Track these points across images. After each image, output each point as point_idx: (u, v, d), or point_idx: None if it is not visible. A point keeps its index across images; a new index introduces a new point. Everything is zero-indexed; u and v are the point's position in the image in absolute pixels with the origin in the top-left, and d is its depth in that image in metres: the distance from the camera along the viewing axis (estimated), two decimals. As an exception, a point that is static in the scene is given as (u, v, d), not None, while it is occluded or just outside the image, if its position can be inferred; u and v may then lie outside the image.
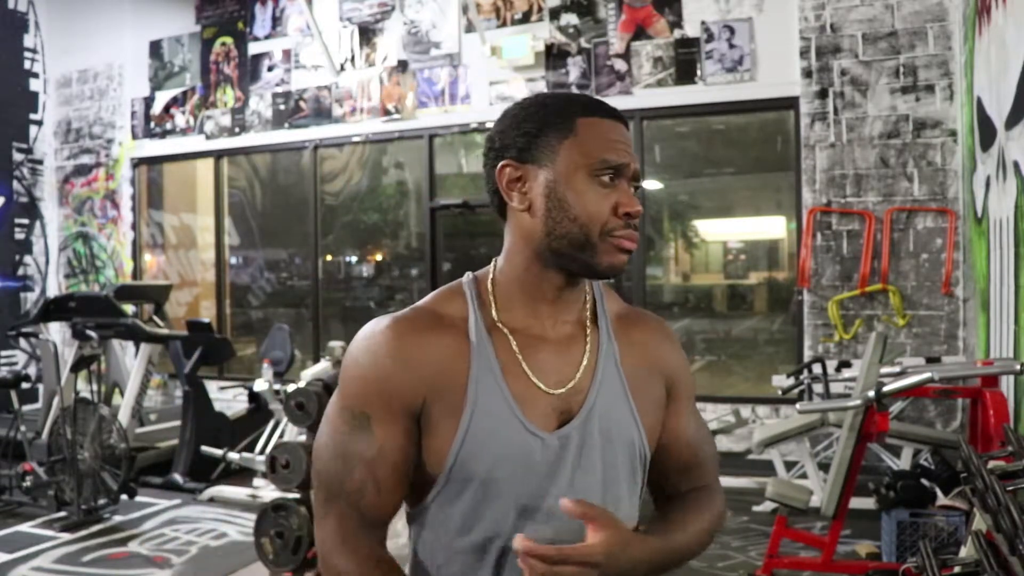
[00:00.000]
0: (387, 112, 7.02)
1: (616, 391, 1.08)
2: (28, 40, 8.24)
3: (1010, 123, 3.53)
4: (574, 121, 1.04)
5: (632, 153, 1.07)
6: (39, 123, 8.39)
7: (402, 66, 6.95)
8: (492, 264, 1.10)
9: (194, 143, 7.84)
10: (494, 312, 1.06)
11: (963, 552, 2.14)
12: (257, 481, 5.07)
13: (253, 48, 7.54)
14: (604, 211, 1.03)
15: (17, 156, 8.17)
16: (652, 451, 1.13)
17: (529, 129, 1.04)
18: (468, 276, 1.11)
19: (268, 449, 4.01)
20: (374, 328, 1.04)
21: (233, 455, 5.01)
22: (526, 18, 6.55)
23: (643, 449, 1.11)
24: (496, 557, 1.02)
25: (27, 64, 8.25)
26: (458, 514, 1.02)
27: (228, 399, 6.61)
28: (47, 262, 8.49)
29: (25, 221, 8.28)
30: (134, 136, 8.11)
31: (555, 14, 6.46)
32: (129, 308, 6.33)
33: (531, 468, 1.01)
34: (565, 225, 1.02)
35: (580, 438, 1.04)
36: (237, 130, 7.63)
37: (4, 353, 7.77)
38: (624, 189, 1.06)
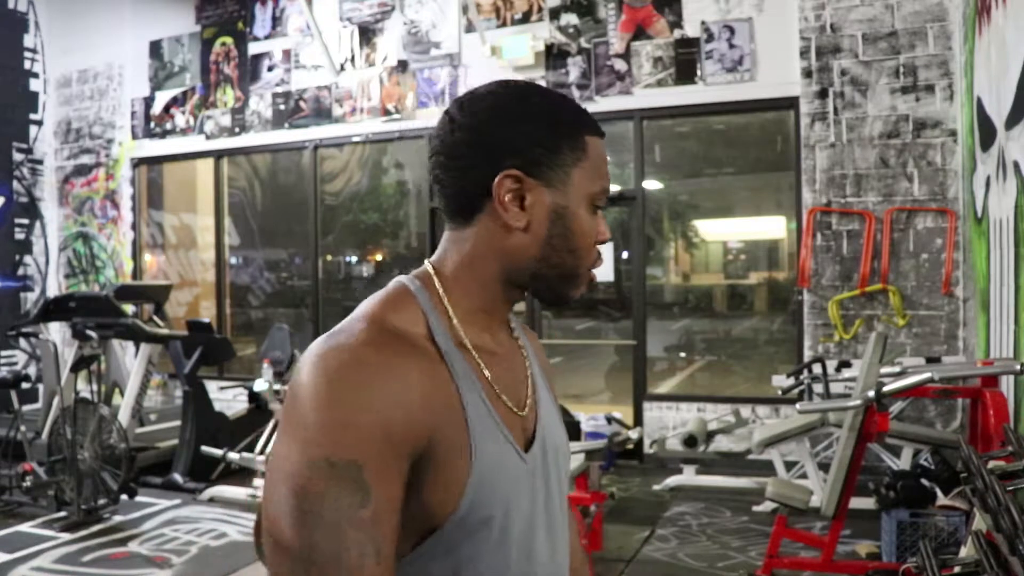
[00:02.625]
0: (387, 112, 7.02)
1: (549, 402, 1.04)
2: (28, 40, 8.24)
3: (1010, 123, 3.53)
4: (584, 141, 0.94)
5: None
6: (39, 123, 8.39)
7: (402, 66, 6.95)
8: (429, 268, 0.96)
9: (194, 143, 7.84)
10: (457, 327, 0.92)
11: (963, 552, 2.14)
12: (257, 481, 5.06)
13: (253, 48, 7.54)
14: (593, 242, 0.96)
15: (17, 156, 8.17)
16: None
17: (543, 140, 0.91)
18: (411, 281, 0.94)
19: (268, 449, 4.01)
20: (339, 352, 0.82)
21: (233, 455, 5.01)
22: (526, 18, 6.55)
23: (569, 453, 1.07)
24: None
25: (27, 64, 8.25)
26: (455, 565, 0.86)
27: (228, 399, 6.61)
28: (47, 262, 8.49)
29: (25, 221, 8.28)
30: (134, 136, 8.11)
31: (555, 14, 6.46)
32: (129, 308, 6.33)
33: (527, 497, 0.92)
34: (562, 256, 0.94)
35: (542, 457, 0.97)
36: (237, 130, 7.63)
37: (4, 353, 7.76)
38: (601, 217, 0.97)
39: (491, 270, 0.94)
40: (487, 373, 0.92)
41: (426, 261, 0.98)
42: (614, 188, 6.56)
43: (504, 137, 0.91)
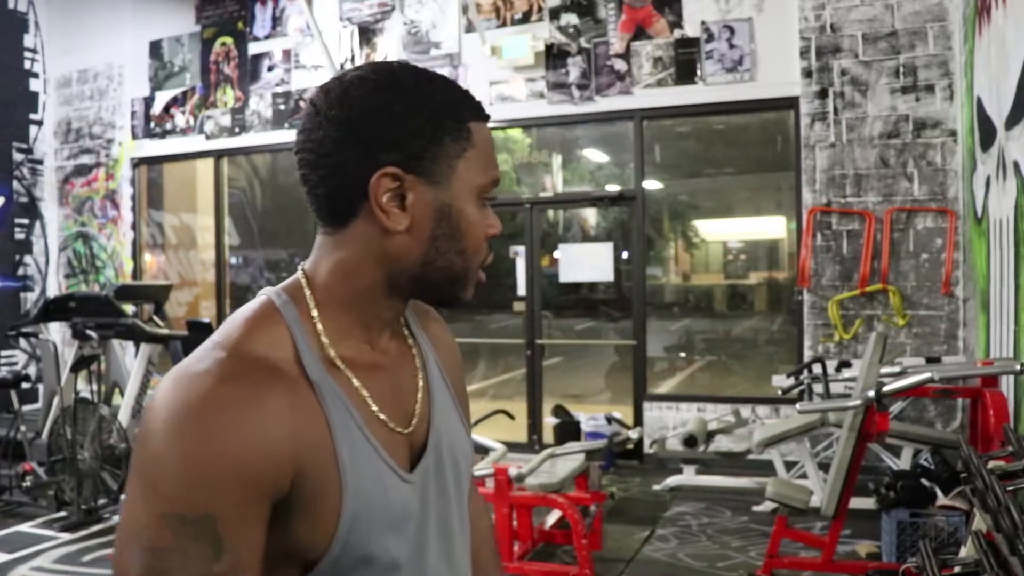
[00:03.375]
0: (387, 112, 7.01)
1: (448, 405, 0.96)
2: (28, 40, 8.24)
3: (1010, 123, 3.53)
4: (469, 128, 0.84)
5: None
6: (39, 123, 8.38)
7: (402, 66, 6.94)
8: (302, 278, 0.86)
9: (194, 143, 7.84)
10: (325, 344, 0.83)
11: (963, 552, 2.15)
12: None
13: (253, 48, 7.54)
14: (483, 238, 0.87)
15: (17, 156, 8.17)
16: None
17: (423, 131, 0.82)
18: (277, 295, 0.84)
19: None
20: (191, 393, 0.73)
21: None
22: (526, 18, 6.55)
23: (472, 453, 1.01)
24: None
25: (27, 64, 8.25)
26: None
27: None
28: (47, 262, 8.49)
29: (25, 221, 8.28)
30: (134, 136, 8.11)
31: (555, 14, 6.46)
32: (129, 308, 6.32)
33: (413, 520, 0.86)
34: (450, 257, 0.85)
35: (436, 466, 0.91)
36: (237, 130, 7.63)
37: (4, 353, 7.76)
38: (489, 209, 0.88)
39: (370, 278, 0.85)
40: (364, 393, 0.84)
41: (299, 268, 0.88)
42: (614, 188, 6.57)
43: (379, 130, 0.81)
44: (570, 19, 6.42)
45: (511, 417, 4.59)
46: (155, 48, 8.01)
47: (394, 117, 0.81)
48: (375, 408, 0.85)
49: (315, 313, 0.84)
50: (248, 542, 0.74)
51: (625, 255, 6.58)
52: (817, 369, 4.52)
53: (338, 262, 0.85)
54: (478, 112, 0.86)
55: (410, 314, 0.99)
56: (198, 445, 0.71)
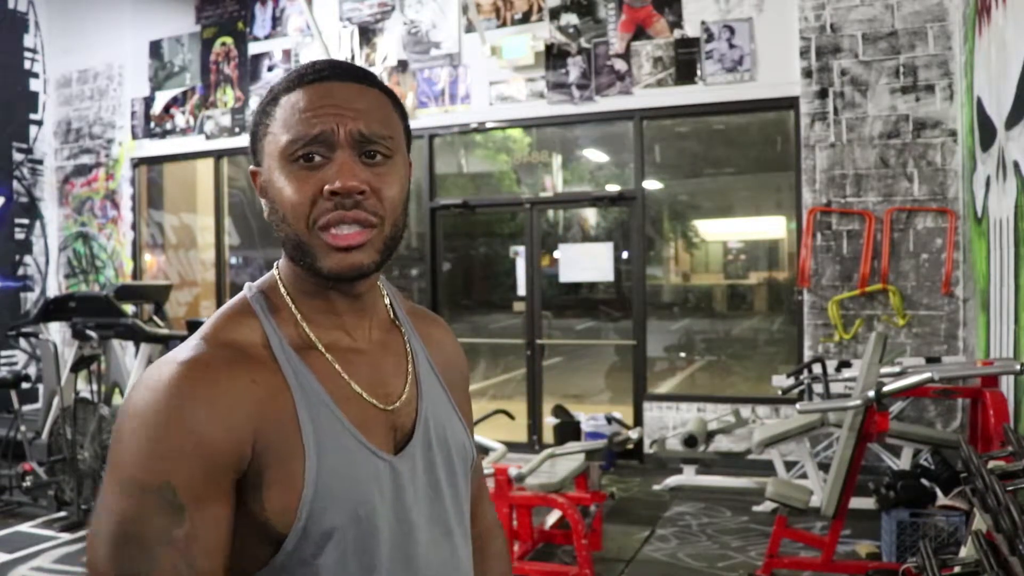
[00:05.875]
0: (387, 112, 7.01)
1: (440, 396, 0.98)
2: (28, 40, 8.24)
3: (1010, 123, 3.53)
4: (276, 104, 0.87)
5: (350, 113, 0.85)
6: (39, 123, 8.38)
7: (402, 66, 6.95)
8: (276, 272, 0.92)
9: (194, 143, 7.84)
10: (301, 327, 0.88)
11: (963, 552, 2.15)
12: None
13: (253, 48, 7.54)
14: (305, 198, 0.84)
15: (17, 156, 8.17)
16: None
17: (252, 127, 0.91)
18: (249, 289, 0.91)
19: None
20: (159, 377, 0.79)
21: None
22: (526, 18, 6.55)
23: (472, 452, 1.00)
24: None
25: (27, 64, 8.25)
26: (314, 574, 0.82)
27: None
28: (47, 262, 8.48)
29: (25, 221, 8.28)
30: (134, 136, 8.11)
31: (555, 14, 6.46)
32: (129, 308, 6.32)
33: (391, 502, 0.86)
34: (282, 228, 0.86)
35: (425, 456, 0.91)
36: (237, 130, 7.63)
37: (4, 353, 7.76)
38: (338, 162, 0.84)
39: (287, 265, 0.91)
40: (339, 369, 0.87)
41: (276, 263, 0.94)
42: (613, 188, 6.57)
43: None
44: (570, 19, 6.42)
45: (511, 417, 4.59)
46: (155, 48, 8.01)
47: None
48: (353, 385, 0.88)
49: (289, 301, 0.89)
50: (207, 511, 0.77)
51: (625, 255, 6.58)
52: (817, 369, 4.53)
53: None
54: (289, 84, 0.88)
55: (402, 312, 1.00)
56: (158, 418, 0.77)
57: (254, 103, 7.51)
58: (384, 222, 0.86)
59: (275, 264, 0.93)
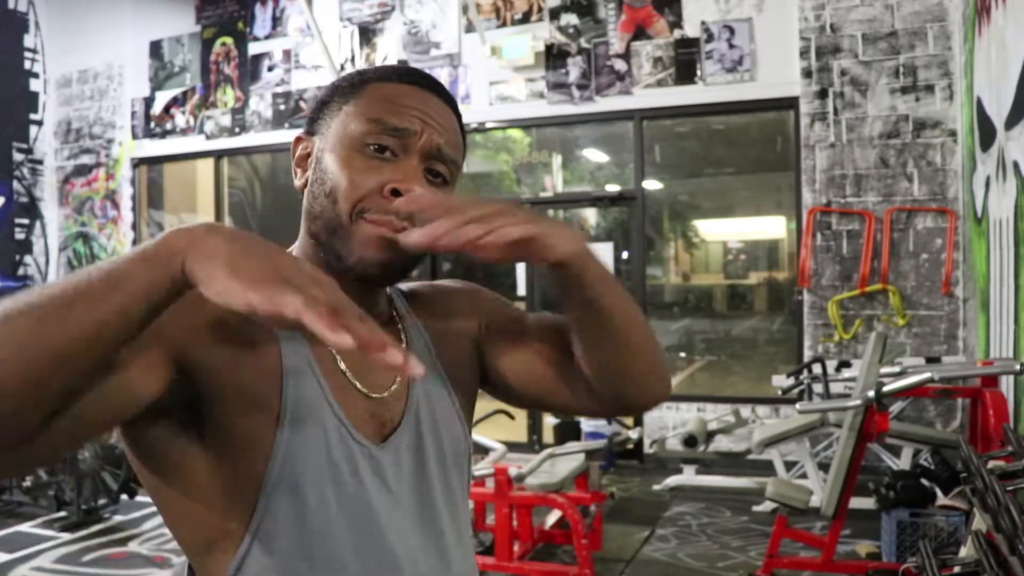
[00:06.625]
0: (387, 112, 7.01)
1: (438, 388, 0.94)
2: (28, 40, 8.24)
3: (1010, 123, 3.53)
4: (365, 86, 0.87)
5: (436, 126, 0.86)
6: (39, 123, 8.39)
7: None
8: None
9: (194, 143, 7.84)
10: None
11: (963, 552, 2.15)
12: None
13: (253, 48, 7.54)
14: (365, 185, 0.82)
15: (17, 156, 8.17)
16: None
17: (321, 97, 0.90)
18: None
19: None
20: None
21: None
22: (526, 18, 6.55)
23: (469, 447, 0.98)
24: None
25: (27, 64, 8.25)
26: (300, 536, 0.80)
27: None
28: (47, 262, 8.49)
29: (25, 221, 8.28)
30: (134, 136, 8.11)
31: (555, 14, 6.46)
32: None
33: (363, 486, 0.83)
34: (321, 202, 0.84)
35: (413, 448, 0.89)
36: (237, 130, 7.63)
37: (4, 353, 7.76)
38: (407, 166, 0.84)
39: (304, 244, 0.89)
40: (331, 351, 0.84)
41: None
42: (613, 188, 6.57)
43: (308, 112, 0.92)
44: (570, 19, 6.42)
45: (511, 417, 4.59)
46: (155, 48, 8.01)
47: (313, 100, 0.95)
48: (340, 363, 0.85)
49: None
50: (123, 374, 0.70)
51: (625, 255, 6.58)
52: (817, 369, 4.53)
53: (298, 238, 0.91)
54: (383, 74, 0.88)
55: (402, 303, 0.98)
56: None
57: (254, 103, 7.52)
58: None
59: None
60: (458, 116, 0.92)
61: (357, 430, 0.84)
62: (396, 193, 0.81)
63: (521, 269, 6.77)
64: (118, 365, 0.70)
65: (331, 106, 0.88)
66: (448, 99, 0.90)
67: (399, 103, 0.85)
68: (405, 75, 0.88)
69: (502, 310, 1.04)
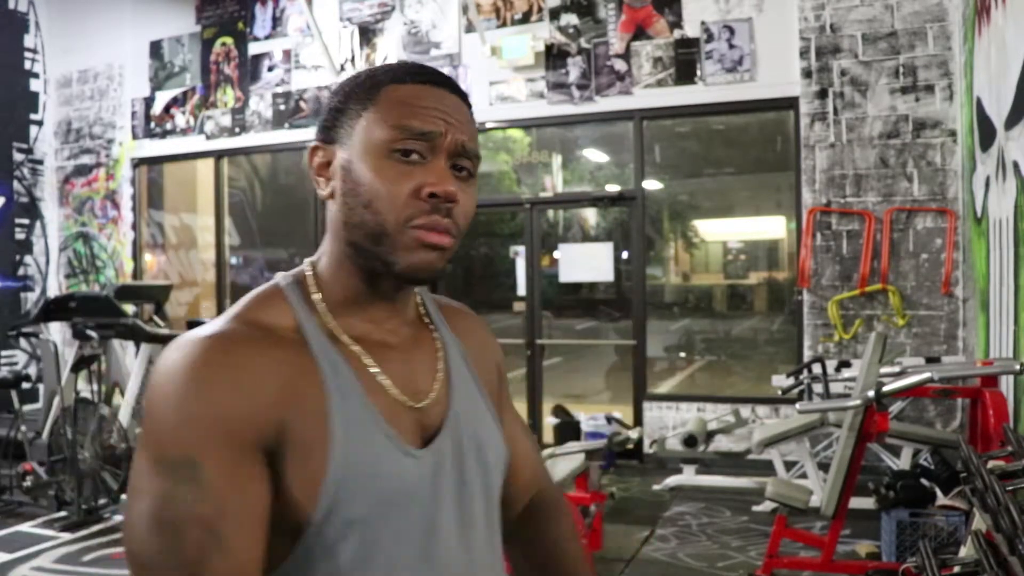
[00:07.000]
0: (387, 112, 7.01)
1: (472, 392, 0.96)
2: (28, 40, 8.24)
3: (1010, 123, 3.53)
4: (379, 90, 0.87)
5: (457, 124, 0.87)
6: (39, 123, 8.39)
7: (402, 66, 6.95)
8: (309, 263, 0.92)
9: (194, 143, 7.84)
10: (328, 319, 0.87)
11: (963, 552, 2.15)
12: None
13: (253, 48, 7.54)
14: (402, 193, 0.84)
15: (17, 156, 8.17)
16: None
17: (336, 104, 0.90)
18: (283, 278, 0.91)
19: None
20: (185, 351, 0.78)
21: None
22: (526, 18, 6.55)
23: (507, 451, 0.99)
24: None
25: (27, 64, 8.25)
26: (334, 568, 0.81)
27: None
28: (47, 262, 8.49)
29: (25, 221, 8.28)
30: (134, 136, 8.11)
31: (555, 14, 6.46)
32: (129, 308, 6.33)
33: (416, 497, 0.85)
34: (360, 213, 0.85)
35: (454, 454, 0.90)
36: (237, 130, 7.63)
37: (4, 353, 7.77)
38: (437, 167, 0.85)
39: (338, 252, 0.89)
40: (369, 362, 0.86)
41: (307, 260, 0.94)
42: (613, 188, 6.57)
43: (321, 119, 0.92)
44: (570, 19, 6.42)
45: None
46: (155, 48, 8.01)
47: (327, 104, 0.91)
48: (382, 378, 0.87)
49: (316, 296, 0.89)
50: (234, 488, 0.75)
51: (625, 255, 6.58)
52: (817, 369, 4.53)
53: (326, 243, 0.92)
54: (397, 76, 0.88)
55: (433, 309, 1.00)
56: (185, 392, 0.76)
57: (254, 103, 7.52)
58: (457, 237, 0.88)
59: (304, 261, 0.93)
60: (470, 107, 0.93)
61: (406, 442, 0.86)
62: (433, 196, 0.84)
63: (521, 269, 6.77)
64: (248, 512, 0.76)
65: (348, 113, 0.88)
66: (460, 93, 0.91)
67: (418, 105, 0.86)
68: (417, 74, 0.89)
69: (506, 377, 1.09)
